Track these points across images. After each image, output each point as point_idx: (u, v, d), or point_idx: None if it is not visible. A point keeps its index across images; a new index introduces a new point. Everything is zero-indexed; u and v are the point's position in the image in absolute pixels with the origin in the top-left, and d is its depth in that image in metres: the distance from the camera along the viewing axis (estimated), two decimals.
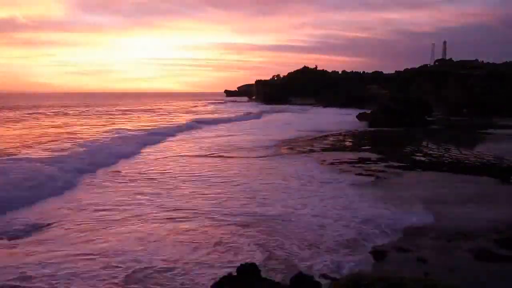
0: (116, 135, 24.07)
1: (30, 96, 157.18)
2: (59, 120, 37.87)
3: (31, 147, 19.01)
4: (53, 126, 31.11)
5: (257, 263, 5.37)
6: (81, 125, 32.72)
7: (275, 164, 16.30)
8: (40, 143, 20.39)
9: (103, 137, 22.66)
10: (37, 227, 8.46)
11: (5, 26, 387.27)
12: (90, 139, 21.85)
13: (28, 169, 12.85)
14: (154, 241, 7.67)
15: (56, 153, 16.66)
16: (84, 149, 18.05)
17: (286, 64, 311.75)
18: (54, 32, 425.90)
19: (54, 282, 5.94)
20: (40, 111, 53.32)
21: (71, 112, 52.40)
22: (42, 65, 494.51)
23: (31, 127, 29.79)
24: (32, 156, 15.80)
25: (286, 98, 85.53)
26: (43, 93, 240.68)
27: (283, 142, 23.51)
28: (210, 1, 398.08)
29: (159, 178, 13.26)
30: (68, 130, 27.68)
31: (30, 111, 51.24)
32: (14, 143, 20.32)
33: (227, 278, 5.10)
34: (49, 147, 18.91)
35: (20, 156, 16.01)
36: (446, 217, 9.48)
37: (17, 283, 5.91)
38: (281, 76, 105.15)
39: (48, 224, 8.63)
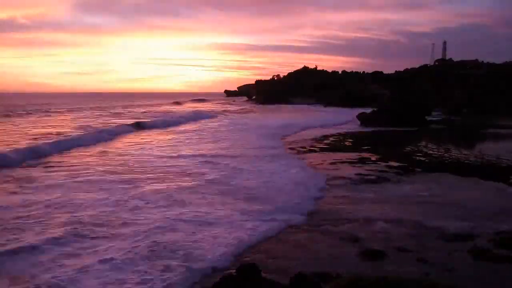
0: None
1: (24, 96, 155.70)
2: None
3: None
4: None
5: None
6: None
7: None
8: None
9: None
10: None
11: (5, 26, 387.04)
12: None
13: None
14: None
15: None
16: None
17: (286, 64, 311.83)
18: (54, 32, 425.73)
19: None
20: None
21: None
22: (42, 65, 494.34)
23: None
24: None
25: (286, 98, 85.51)
26: (42, 93, 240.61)
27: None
28: (210, 2, 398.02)
29: None
30: None
31: None
32: None
33: (227, 278, 5.10)
34: None
35: None
36: (446, 217, 9.48)
37: None
38: (281, 76, 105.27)
39: None
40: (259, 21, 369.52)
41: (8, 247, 7.05)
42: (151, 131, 29.52)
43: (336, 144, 23.41)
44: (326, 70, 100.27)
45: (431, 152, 20.19)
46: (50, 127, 29.94)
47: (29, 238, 7.47)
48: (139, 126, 31.10)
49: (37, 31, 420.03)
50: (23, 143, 19.97)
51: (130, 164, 15.34)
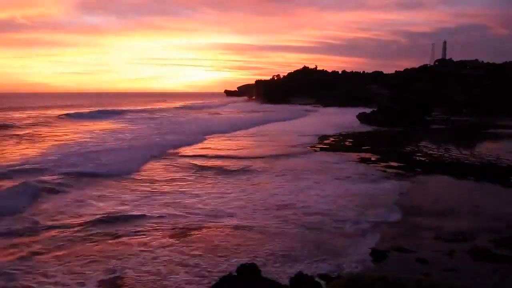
0: None
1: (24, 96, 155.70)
2: None
3: None
4: None
5: None
6: None
7: None
8: None
9: None
10: None
11: (5, 26, 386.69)
12: None
13: None
14: None
15: None
16: None
17: (286, 64, 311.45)
18: (54, 32, 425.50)
19: None
20: None
21: None
22: (42, 65, 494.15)
23: None
24: None
25: (286, 98, 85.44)
26: (42, 93, 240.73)
27: None
28: (210, 2, 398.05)
29: None
30: None
31: None
32: None
33: (227, 278, 5.10)
34: None
35: None
36: (446, 217, 9.48)
37: None
38: (281, 76, 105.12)
39: None
40: (259, 21, 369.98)
41: None
42: None
43: (336, 144, 23.41)
44: (326, 70, 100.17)
45: (431, 152, 20.19)
46: None
47: None
48: None
49: (37, 31, 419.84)
50: None
51: None
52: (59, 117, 38.70)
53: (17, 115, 42.71)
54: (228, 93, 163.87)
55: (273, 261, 7.00)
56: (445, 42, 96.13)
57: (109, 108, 53.18)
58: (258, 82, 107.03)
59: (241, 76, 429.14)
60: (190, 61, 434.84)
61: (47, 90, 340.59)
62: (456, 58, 79.30)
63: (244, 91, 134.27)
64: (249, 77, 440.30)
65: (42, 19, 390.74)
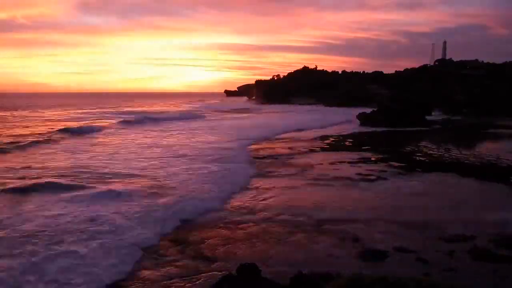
0: None
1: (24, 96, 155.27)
2: None
3: None
4: None
5: None
6: None
7: None
8: None
9: None
10: None
11: (5, 26, 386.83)
12: None
13: None
14: None
15: None
16: None
17: (286, 64, 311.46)
18: (54, 32, 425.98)
19: None
20: None
21: None
22: (42, 65, 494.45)
23: None
24: None
25: (286, 98, 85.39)
26: (42, 92, 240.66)
27: None
28: (210, 2, 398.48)
29: None
30: None
31: None
32: None
33: (227, 278, 5.10)
34: None
35: None
36: (447, 217, 9.48)
37: None
38: (281, 76, 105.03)
39: None
40: (259, 21, 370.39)
41: None
42: None
43: (336, 144, 23.41)
44: (326, 70, 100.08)
45: (431, 152, 20.18)
46: None
47: None
48: None
49: (37, 31, 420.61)
50: None
51: None
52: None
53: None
54: (228, 93, 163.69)
55: (274, 261, 7.00)
56: (445, 42, 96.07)
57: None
58: (258, 82, 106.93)
59: (241, 76, 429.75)
60: (190, 61, 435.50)
61: (47, 90, 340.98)
62: (456, 58, 79.25)
63: (244, 91, 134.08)
64: (249, 77, 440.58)
65: (42, 19, 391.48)
